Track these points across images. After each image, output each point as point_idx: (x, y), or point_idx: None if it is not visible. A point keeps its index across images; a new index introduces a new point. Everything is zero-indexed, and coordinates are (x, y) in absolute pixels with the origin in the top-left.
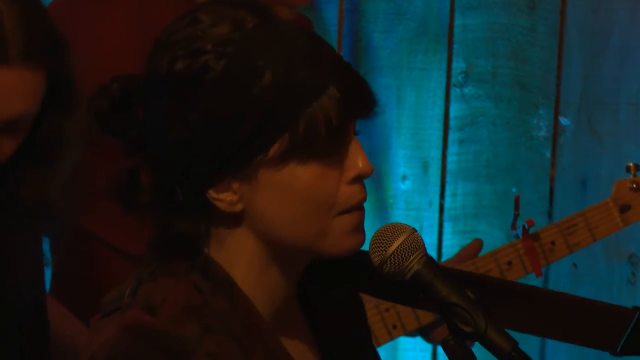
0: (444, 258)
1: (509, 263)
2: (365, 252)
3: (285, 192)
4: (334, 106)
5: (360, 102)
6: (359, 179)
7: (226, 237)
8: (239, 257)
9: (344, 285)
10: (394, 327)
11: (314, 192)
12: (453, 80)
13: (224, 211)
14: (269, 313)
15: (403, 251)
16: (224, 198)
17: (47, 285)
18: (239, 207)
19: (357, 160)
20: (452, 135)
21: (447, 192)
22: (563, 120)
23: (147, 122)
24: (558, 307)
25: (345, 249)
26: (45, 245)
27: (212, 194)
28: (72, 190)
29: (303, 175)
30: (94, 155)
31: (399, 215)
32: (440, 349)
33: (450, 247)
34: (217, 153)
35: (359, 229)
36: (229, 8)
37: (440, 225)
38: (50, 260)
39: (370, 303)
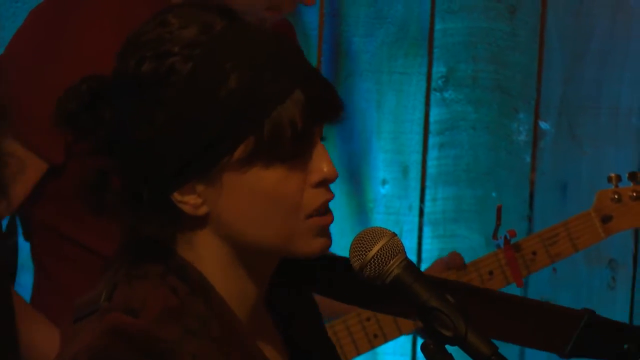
0: (423, 262)
1: (491, 273)
2: (333, 256)
3: (249, 194)
4: (299, 110)
5: (326, 107)
6: (323, 183)
7: (194, 239)
8: (207, 259)
9: (302, 287)
10: (375, 336)
11: (277, 195)
12: (433, 85)
13: (189, 214)
14: (242, 315)
15: (383, 255)
16: (188, 201)
17: (29, 292)
18: (203, 210)
19: (321, 164)
20: (432, 140)
21: (427, 196)
22: (543, 125)
23: (114, 122)
24: (509, 309)
25: (311, 251)
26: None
27: (176, 196)
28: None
29: (267, 178)
30: (78, 165)
31: (379, 219)
32: (420, 354)
33: (430, 252)
34: (181, 155)
35: (325, 232)
36: (198, 11)
37: (420, 229)
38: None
39: (351, 312)
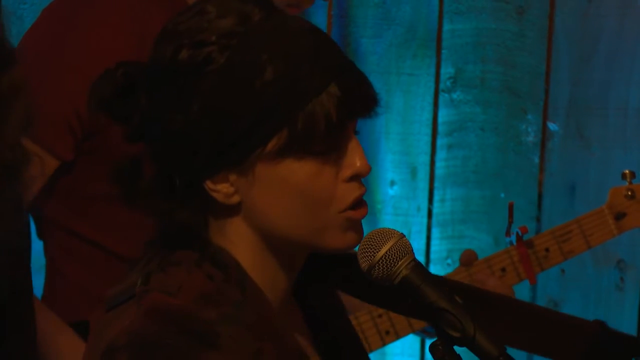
0: (432, 263)
1: (503, 270)
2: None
3: (280, 187)
4: (334, 104)
5: (360, 102)
6: (356, 178)
7: (226, 227)
8: (241, 247)
9: (329, 284)
10: (387, 332)
11: (309, 189)
12: (441, 86)
13: (221, 202)
14: (274, 303)
15: (391, 256)
16: (221, 189)
17: (40, 290)
18: (235, 199)
19: (354, 159)
20: (441, 141)
21: (436, 197)
22: (551, 126)
23: (149, 109)
24: (518, 316)
25: (341, 245)
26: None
27: (209, 184)
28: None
29: (299, 171)
30: (88, 163)
31: (387, 220)
32: (428, 354)
33: (439, 252)
34: (215, 144)
35: (357, 226)
36: (236, 1)
37: (429, 230)
38: (45, 264)
39: (363, 309)
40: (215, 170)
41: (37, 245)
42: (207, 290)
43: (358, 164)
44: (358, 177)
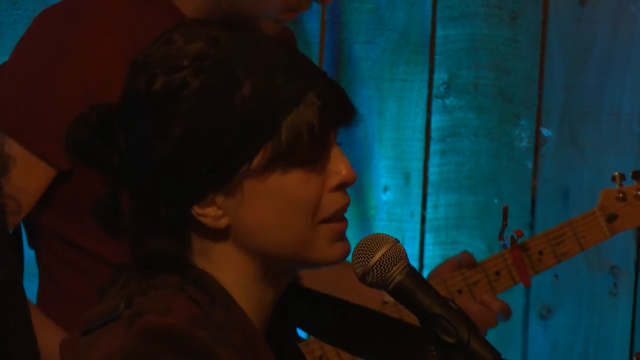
0: (425, 269)
1: (497, 273)
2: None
3: (269, 201)
4: (314, 112)
5: (341, 109)
6: (342, 187)
7: (212, 252)
8: (226, 270)
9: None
10: None
11: (298, 200)
12: (435, 91)
13: (209, 227)
14: (258, 328)
15: (386, 262)
16: (209, 213)
17: (34, 299)
18: (223, 221)
19: (340, 167)
20: (434, 146)
21: (429, 203)
22: (545, 131)
23: (129, 146)
24: (366, 323)
25: (332, 258)
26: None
27: (196, 210)
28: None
29: (287, 183)
30: (84, 172)
31: (381, 226)
32: None
33: (432, 258)
34: (200, 167)
35: (343, 237)
36: (201, 27)
37: (422, 236)
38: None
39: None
40: (202, 194)
41: (29, 253)
42: (195, 313)
43: (344, 172)
44: (344, 186)
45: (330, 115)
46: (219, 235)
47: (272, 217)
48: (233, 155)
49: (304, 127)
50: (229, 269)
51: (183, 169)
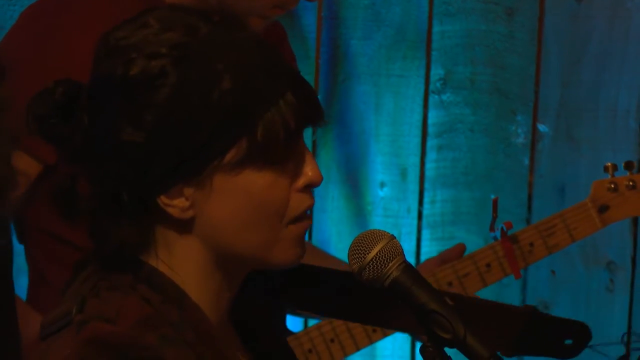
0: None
1: (488, 265)
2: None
3: (239, 198)
4: (291, 111)
5: (313, 109)
6: (308, 188)
7: (174, 243)
8: (185, 263)
9: (264, 299)
10: (374, 330)
11: (267, 199)
12: (431, 87)
13: (174, 217)
14: (214, 321)
15: (382, 258)
16: (176, 204)
17: (24, 294)
18: (190, 213)
19: (307, 169)
20: (431, 142)
21: (426, 198)
22: (541, 127)
23: (94, 127)
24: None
25: (290, 260)
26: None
27: (163, 199)
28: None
29: (258, 181)
30: (65, 166)
31: (378, 222)
32: (419, 355)
33: (429, 254)
34: (172, 157)
35: (301, 241)
36: (179, 14)
37: (419, 232)
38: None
39: None
40: (170, 184)
41: (18, 247)
42: (145, 314)
43: (310, 174)
44: (311, 187)
45: (305, 115)
46: (183, 228)
47: (239, 215)
48: (207, 148)
49: (279, 125)
50: (188, 262)
51: (153, 157)
